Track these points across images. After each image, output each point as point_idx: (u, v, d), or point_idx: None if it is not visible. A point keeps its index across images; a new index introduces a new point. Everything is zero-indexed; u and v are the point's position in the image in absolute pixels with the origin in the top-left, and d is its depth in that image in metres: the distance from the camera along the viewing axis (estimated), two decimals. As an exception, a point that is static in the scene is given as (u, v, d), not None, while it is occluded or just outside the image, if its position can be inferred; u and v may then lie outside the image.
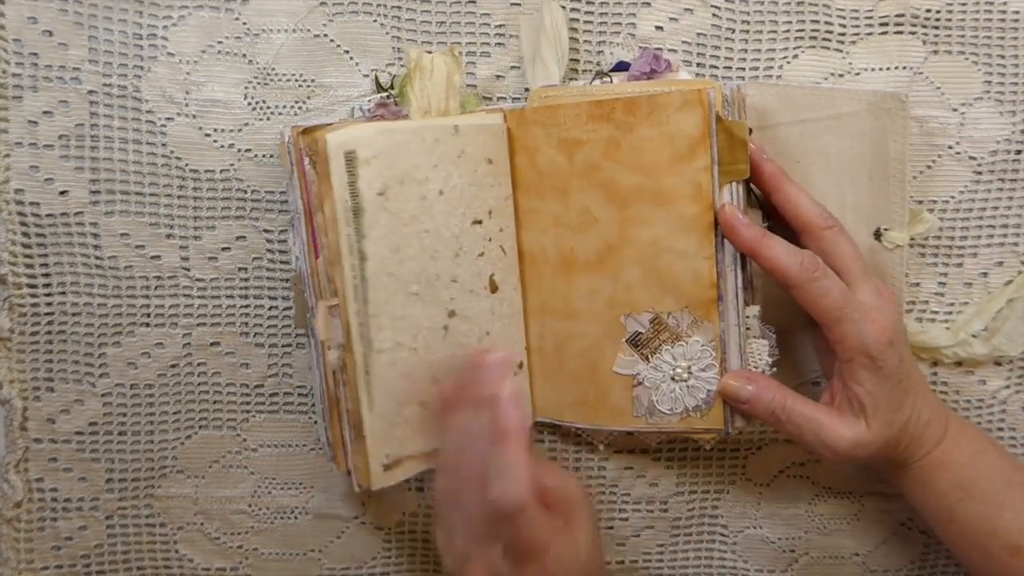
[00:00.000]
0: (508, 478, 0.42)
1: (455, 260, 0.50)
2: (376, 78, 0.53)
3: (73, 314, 0.54)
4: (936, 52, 0.54)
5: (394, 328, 0.48)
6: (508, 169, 0.52)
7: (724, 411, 0.50)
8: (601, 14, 0.53)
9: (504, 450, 0.42)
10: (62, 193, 0.53)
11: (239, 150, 0.53)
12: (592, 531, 0.47)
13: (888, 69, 0.54)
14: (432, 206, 0.49)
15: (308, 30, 0.53)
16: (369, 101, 0.52)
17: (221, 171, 0.53)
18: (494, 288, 0.52)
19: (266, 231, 0.54)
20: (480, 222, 0.51)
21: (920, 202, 0.55)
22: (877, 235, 0.53)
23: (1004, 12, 0.54)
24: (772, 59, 0.54)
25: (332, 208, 0.47)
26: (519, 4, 0.53)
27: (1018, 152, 0.55)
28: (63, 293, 0.54)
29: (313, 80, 0.53)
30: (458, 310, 0.50)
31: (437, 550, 0.48)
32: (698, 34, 0.54)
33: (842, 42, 0.54)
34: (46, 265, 0.53)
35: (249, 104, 0.53)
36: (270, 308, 0.55)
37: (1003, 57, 0.54)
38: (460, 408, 0.46)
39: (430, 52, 0.52)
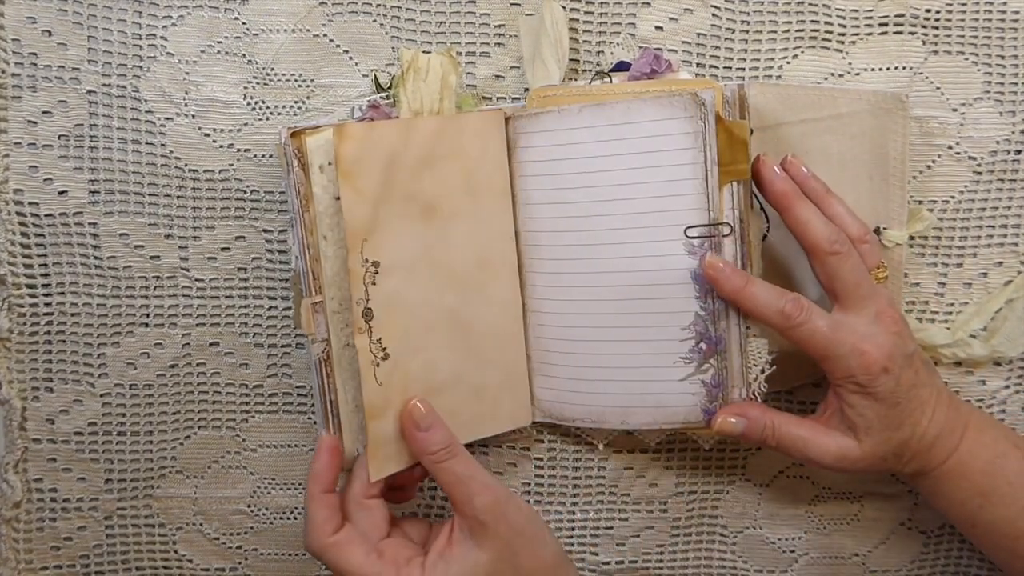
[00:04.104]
0: (306, 523, 0.47)
1: None
2: (375, 78, 0.53)
3: (72, 314, 0.54)
4: (936, 52, 0.54)
5: None
6: (503, 167, 0.52)
7: None
8: (601, 14, 0.53)
9: (307, 498, 0.47)
10: (61, 193, 0.53)
11: (238, 150, 0.53)
12: (503, 551, 0.46)
13: (888, 69, 0.54)
14: None
15: (307, 30, 0.52)
16: (366, 102, 0.52)
17: (220, 171, 0.53)
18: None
19: (265, 231, 0.54)
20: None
21: (920, 202, 0.55)
22: (876, 233, 0.53)
23: (1004, 12, 0.54)
24: (772, 59, 0.54)
25: (314, 209, 0.48)
26: (519, 4, 0.53)
27: (1018, 152, 0.55)
28: (62, 293, 0.54)
29: (312, 80, 0.53)
30: None
31: None
32: (698, 34, 0.54)
33: (842, 42, 0.54)
34: (45, 265, 0.53)
35: (248, 104, 0.53)
36: (269, 308, 0.55)
37: (1003, 57, 0.54)
38: None
39: (427, 52, 0.52)
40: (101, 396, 0.55)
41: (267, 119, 0.53)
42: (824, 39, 0.54)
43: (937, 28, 0.54)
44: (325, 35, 0.53)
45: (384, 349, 0.48)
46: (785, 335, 0.48)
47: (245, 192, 0.54)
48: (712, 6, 0.53)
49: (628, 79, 0.52)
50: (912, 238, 0.55)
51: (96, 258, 0.54)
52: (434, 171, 0.50)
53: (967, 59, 0.54)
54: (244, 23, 0.52)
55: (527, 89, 0.53)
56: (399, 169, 0.49)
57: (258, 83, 0.53)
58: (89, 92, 0.52)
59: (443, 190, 0.50)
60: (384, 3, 0.53)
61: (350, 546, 0.46)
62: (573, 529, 0.59)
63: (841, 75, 0.54)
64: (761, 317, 0.48)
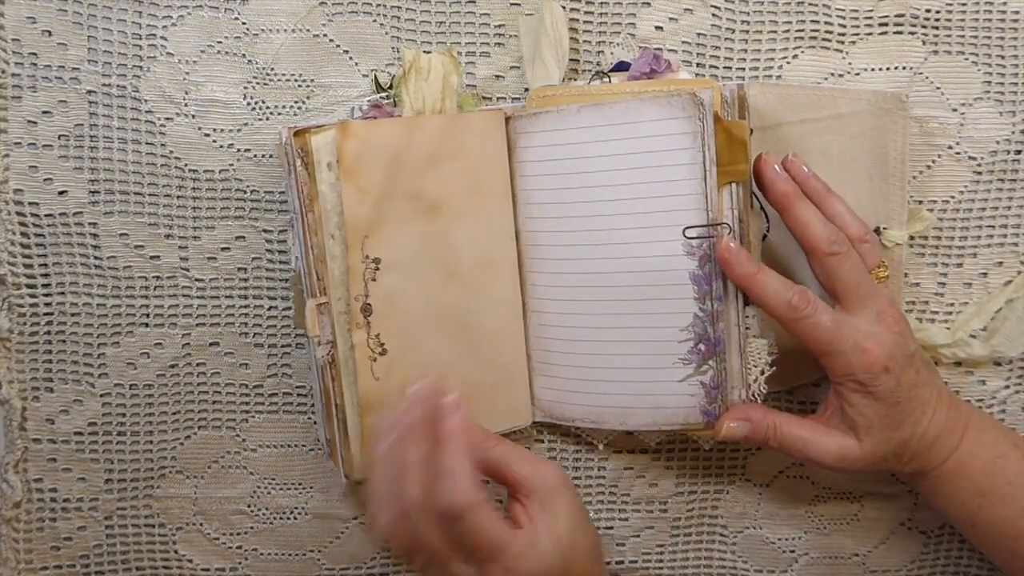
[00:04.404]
0: (449, 479, 0.43)
1: None
2: (375, 78, 0.53)
3: (72, 314, 0.54)
4: (936, 52, 0.54)
5: None
6: (503, 167, 0.52)
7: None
8: (601, 14, 0.53)
9: (444, 454, 0.44)
10: (61, 193, 0.53)
11: (238, 150, 0.53)
12: (575, 514, 0.47)
13: (888, 69, 0.54)
14: None
15: (307, 30, 0.53)
16: (368, 102, 0.52)
17: (220, 171, 0.53)
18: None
19: (265, 231, 0.54)
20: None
21: (920, 202, 0.55)
22: (877, 233, 0.53)
23: (1004, 12, 0.54)
24: (772, 59, 0.54)
25: (319, 209, 0.48)
26: (519, 4, 0.53)
27: (1018, 152, 0.55)
28: (62, 293, 0.54)
29: (312, 80, 0.53)
30: None
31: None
32: (698, 34, 0.54)
33: (842, 42, 0.54)
34: (45, 265, 0.53)
35: (248, 104, 0.53)
36: (269, 308, 0.55)
37: (1003, 57, 0.54)
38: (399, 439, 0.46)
39: (428, 52, 0.52)
40: (101, 396, 0.55)
41: (267, 119, 0.53)
42: (824, 39, 0.54)
43: (937, 28, 0.54)
44: (325, 35, 0.53)
45: (382, 345, 0.49)
46: (789, 327, 0.48)
47: (245, 192, 0.54)
48: (712, 6, 0.53)
49: (628, 79, 0.52)
50: (912, 238, 0.55)
51: (96, 258, 0.54)
52: (438, 170, 0.50)
53: (967, 59, 0.54)
54: (244, 23, 0.52)
55: (527, 89, 0.53)
56: (402, 167, 0.49)
57: (258, 83, 0.53)
58: (89, 92, 0.52)
59: (447, 189, 0.50)
60: (384, 3, 0.53)
61: (490, 509, 0.43)
62: (573, 529, 0.59)
63: (841, 75, 0.54)
64: (769, 306, 0.47)
